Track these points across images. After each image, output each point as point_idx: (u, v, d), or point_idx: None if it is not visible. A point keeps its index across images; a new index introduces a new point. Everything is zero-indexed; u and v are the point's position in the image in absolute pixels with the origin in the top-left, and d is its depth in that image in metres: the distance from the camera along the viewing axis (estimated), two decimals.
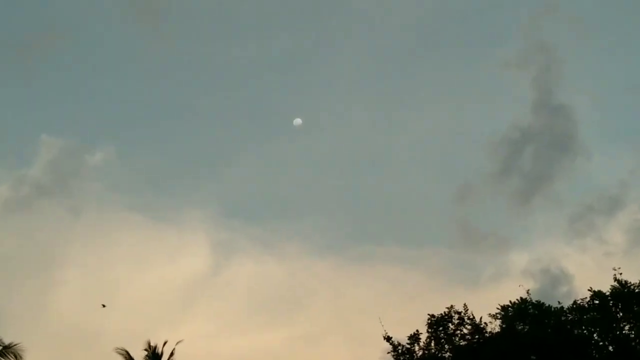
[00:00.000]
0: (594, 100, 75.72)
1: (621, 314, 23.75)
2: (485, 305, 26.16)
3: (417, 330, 25.34)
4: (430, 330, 25.16)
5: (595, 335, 23.68)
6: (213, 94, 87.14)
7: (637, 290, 23.94)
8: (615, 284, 24.37)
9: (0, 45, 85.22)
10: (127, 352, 38.66)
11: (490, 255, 67.60)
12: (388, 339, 25.47)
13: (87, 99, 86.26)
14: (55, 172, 75.40)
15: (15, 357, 35.41)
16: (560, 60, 71.48)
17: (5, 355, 35.82)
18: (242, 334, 64.15)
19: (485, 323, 24.99)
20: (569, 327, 23.94)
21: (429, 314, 25.30)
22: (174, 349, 38.79)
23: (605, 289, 24.70)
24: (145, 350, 38.94)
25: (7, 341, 35.53)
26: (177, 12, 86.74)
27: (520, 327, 24.41)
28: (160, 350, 38.87)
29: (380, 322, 25.82)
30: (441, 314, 25.21)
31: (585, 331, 23.80)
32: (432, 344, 24.98)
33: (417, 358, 24.95)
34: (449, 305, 25.34)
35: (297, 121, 76.19)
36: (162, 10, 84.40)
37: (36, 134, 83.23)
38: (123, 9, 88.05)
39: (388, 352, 25.32)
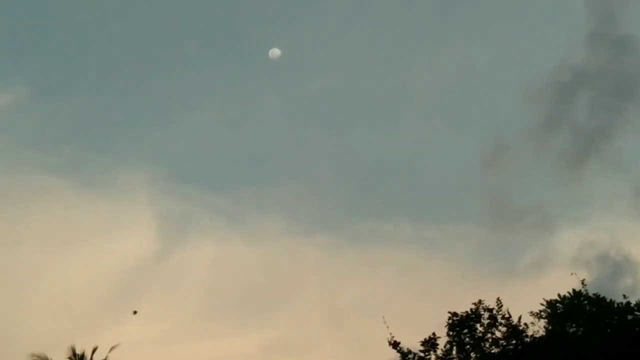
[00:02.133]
0: None
1: None
2: (525, 301, 23.61)
3: (434, 334, 22.80)
4: (451, 333, 22.70)
5: None
6: (159, 14, 73.05)
7: None
8: None
9: None
10: None
11: (531, 236, 59.90)
12: (395, 345, 22.83)
13: None
14: None
15: None
16: None
17: None
18: (201, 339, 56.92)
19: (525, 324, 22.40)
20: (637, 329, 21.18)
21: (450, 312, 22.79)
22: (107, 356, 36.87)
23: None
24: (69, 358, 36.66)
25: None
26: None
27: (572, 329, 21.99)
28: (89, 358, 36.61)
29: (385, 322, 23.19)
30: (466, 312, 22.76)
31: None
32: (454, 352, 22.67)
33: None
34: (476, 301, 22.76)
35: (275, 52, 63.88)
36: None
37: None
38: None
39: None
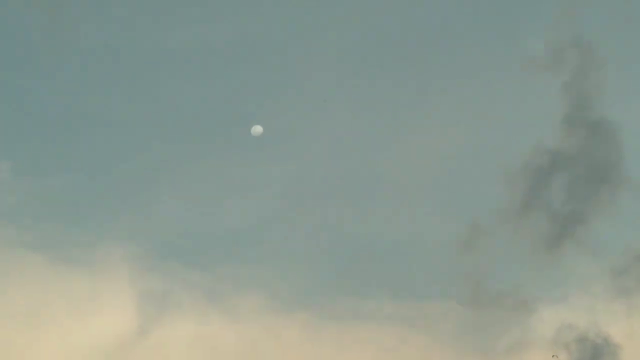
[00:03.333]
0: None
1: None
2: None
3: None
4: None
5: None
6: (141, 93, 75.25)
7: None
8: None
9: None
10: None
11: (510, 317, 59.90)
12: None
13: None
14: None
15: None
16: (601, 60, 62.69)
17: None
18: None
19: None
20: None
21: None
22: None
23: None
24: None
25: None
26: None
27: None
28: None
29: None
30: None
31: None
32: None
33: None
34: None
35: (257, 129, 64.93)
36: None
37: None
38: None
39: None
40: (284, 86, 74.74)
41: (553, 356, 28.00)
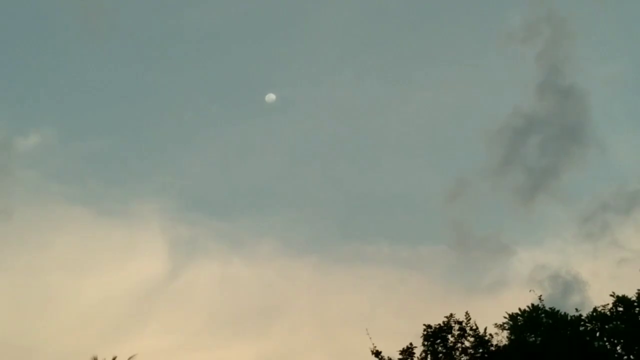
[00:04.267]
0: (611, 81, 72.23)
1: None
2: (489, 315, 26.45)
3: (411, 344, 23.99)
4: (426, 343, 23.90)
5: (619, 347, 22.59)
6: (170, 68, 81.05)
7: None
8: None
9: None
10: None
11: (492, 258, 63.37)
12: (377, 354, 24.01)
13: (21, 75, 78.71)
14: None
15: None
16: (570, 34, 67.55)
17: None
18: (206, 349, 58.96)
19: (490, 334, 23.72)
20: (588, 338, 22.84)
21: (424, 325, 24.08)
22: None
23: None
24: None
25: None
26: None
27: (532, 339, 23.28)
28: None
29: (368, 334, 24.40)
30: (439, 324, 24.01)
31: (607, 343, 22.73)
32: (429, 359, 23.67)
33: None
34: (448, 315, 24.14)
35: (270, 97, 69.92)
36: None
37: None
38: None
39: None
40: (293, 59, 79.16)
41: (530, 290, 32.26)
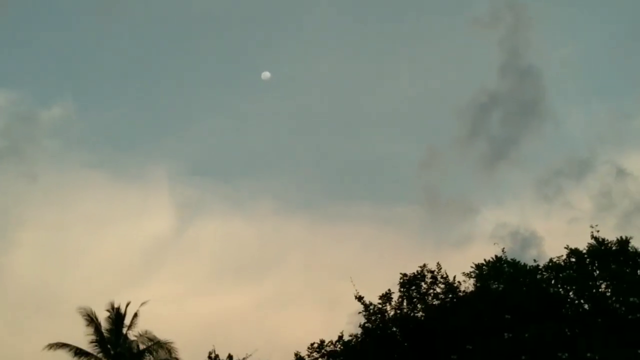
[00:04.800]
0: (564, 62, 72.47)
1: (598, 272, 22.91)
2: (457, 265, 25.67)
3: (389, 290, 24.38)
4: (402, 289, 24.24)
5: (571, 293, 22.93)
6: (176, 47, 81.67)
7: (614, 248, 22.95)
8: (592, 241, 23.34)
9: None
10: (90, 313, 36.98)
11: (459, 217, 65.58)
12: (360, 298, 24.49)
13: (42, 51, 78.85)
14: (8, 128, 70.43)
15: None
16: (529, 19, 66.35)
17: None
18: (209, 296, 61.02)
19: (458, 282, 24.11)
20: (544, 285, 23.08)
21: (401, 273, 24.36)
22: (137, 310, 37.13)
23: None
24: (108, 311, 37.17)
25: None
26: None
27: (495, 286, 23.49)
28: (123, 311, 37.14)
29: (352, 282, 25.03)
30: (414, 273, 24.30)
31: (560, 289, 23.05)
32: (405, 304, 24.13)
33: (388, 318, 23.99)
34: (421, 265, 24.45)
35: (266, 75, 68.26)
36: None
37: None
38: None
39: (359, 312, 24.35)
40: (287, 41, 79.84)
41: (494, 244, 32.83)
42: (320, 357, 24.33)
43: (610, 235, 23.40)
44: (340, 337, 24.35)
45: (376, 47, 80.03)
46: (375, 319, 24.00)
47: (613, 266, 22.53)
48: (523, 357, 21.60)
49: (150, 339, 36.87)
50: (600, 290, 22.55)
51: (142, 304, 36.82)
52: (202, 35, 79.96)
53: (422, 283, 24.08)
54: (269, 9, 79.58)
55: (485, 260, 24.10)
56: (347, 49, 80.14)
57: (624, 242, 22.98)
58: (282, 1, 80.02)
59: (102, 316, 36.76)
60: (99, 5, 77.72)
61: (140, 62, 79.87)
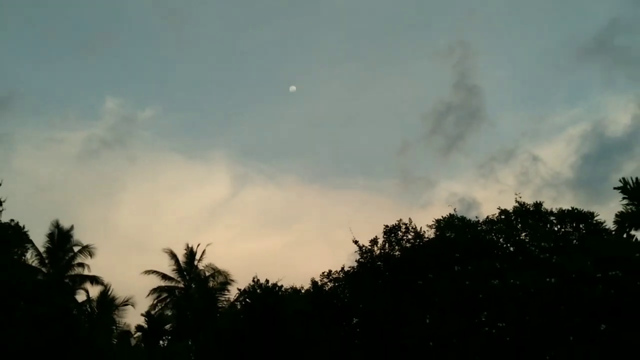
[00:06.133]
0: (498, 81, 78.84)
1: (520, 225, 23.51)
2: (422, 220, 27.81)
3: (376, 236, 25.04)
4: (385, 236, 24.85)
5: (500, 239, 23.46)
6: (230, 67, 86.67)
7: (531, 209, 23.71)
8: (516, 204, 24.07)
9: (83, 38, 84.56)
10: (172, 251, 39.15)
11: (424, 188, 70.61)
12: (355, 242, 25.14)
13: (136, 68, 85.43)
14: (116, 125, 76.42)
15: (90, 254, 35.84)
16: (474, 52, 74.66)
17: (83, 253, 36.21)
18: (252, 240, 66.39)
19: (424, 231, 24.68)
20: (482, 234, 23.65)
21: (384, 225, 25.07)
22: (204, 249, 38.92)
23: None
24: (185, 250, 39.39)
25: (84, 243, 36.24)
26: (199, 15, 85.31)
27: (448, 234, 24.11)
28: (195, 250, 39.19)
29: (350, 231, 25.84)
30: (393, 225, 24.88)
31: (494, 237, 23.55)
32: (386, 246, 24.73)
33: (375, 256, 24.67)
34: (398, 219, 25.09)
35: (292, 88, 75.27)
36: (186, 13, 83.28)
37: (102, 97, 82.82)
38: (153, 18, 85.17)
39: (355, 252, 25.08)
40: (305, 65, 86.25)
41: (448, 206, 34.37)
42: (329, 281, 24.78)
43: (528, 200, 24.09)
44: (342, 269, 24.94)
45: (367, 69, 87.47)
46: (366, 257, 24.43)
47: (530, 221, 23.00)
48: (467, 282, 21.26)
49: (213, 269, 38.91)
50: (521, 237, 22.94)
51: (208, 245, 38.70)
52: (248, 59, 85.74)
53: (399, 232, 24.42)
54: (294, 44, 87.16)
55: (442, 217, 24.60)
56: (346, 70, 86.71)
57: (538, 205, 23.46)
58: (303, 39, 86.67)
59: (180, 253, 38.82)
60: (178, 38, 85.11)
61: (205, 76, 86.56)
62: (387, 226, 24.69)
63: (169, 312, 37.50)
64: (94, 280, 35.97)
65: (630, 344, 18.44)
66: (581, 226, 22.10)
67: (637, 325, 18.70)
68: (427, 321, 20.69)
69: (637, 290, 19.16)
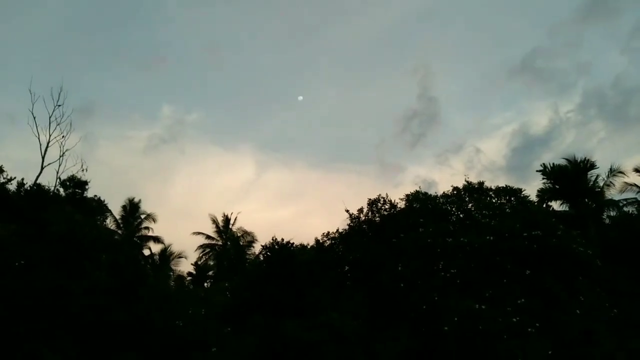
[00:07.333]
0: (452, 93, 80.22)
1: (467, 198, 24.05)
2: (396, 195, 28.74)
3: (362, 207, 25.35)
4: (369, 207, 25.07)
5: (453, 209, 23.78)
6: (252, 84, 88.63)
7: (476, 187, 24.39)
8: (465, 183, 24.82)
9: (145, 60, 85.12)
10: (213, 218, 40.32)
11: (396, 172, 72.06)
12: (347, 211, 25.32)
13: (187, 86, 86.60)
14: (170, 126, 77.51)
15: (153, 220, 36.81)
16: (433, 72, 77.38)
17: (148, 219, 37.22)
18: (271, 210, 67.61)
19: (397, 203, 25.10)
20: (440, 205, 24.10)
21: (368, 199, 25.37)
22: (236, 217, 40.39)
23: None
24: (222, 217, 40.83)
25: (149, 212, 37.22)
26: (229, 43, 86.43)
27: (415, 205, 24.46)
28: (230, 217, 40.68)
29: (344, 203, 28.69)
30: (375, 198, 25.12)
31: (449, 207, 23.92)
32: (370, 214, 24.99)
33: (361, 221, 24.96)
34: (377, 194, 25.32)
35: (300, 97, 79.38)
36: (219, 42, 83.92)
37: (160, 104, 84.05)
38: (195, 45, 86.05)
39: (347, 218, 25.35)
40: (309, 79, 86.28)
41: (415, 184, 39.53)
42: (328, 240, 24.35)
43: (474, 180, 24.63)
44: (337, 230, 24.58)
45: (354, 84, 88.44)
46: (355, 222, 24.30)
47: (475, 195, 23.62)
48: (429, 240, 21.51)
49: (243, 231, 40.45)
50: (468, 207, 23.36)
51: (238, 213, 40.24)
52: (266, 77, 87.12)
53: (379, 203, 24.33)
54: (301, 67, 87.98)
55: (410, 192, 24.98)
56: (339, 84, 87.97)
57: (480, 184, 23.83)
58: (308, 61, 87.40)
59: (219, 219, 40.19)
60: (213, 59, 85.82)
61: (234, 88, 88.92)
62: (370, 199, 24.64)
63: (211, 262, 39.42)
64: (156, 239, 37.52)
65: (547, 284, 19.15)
66: (512, 199, 22.44)
67: (551, 271, 19.40)
68: (399, 268, 20.60)
69: (552, 245, 19.78)
